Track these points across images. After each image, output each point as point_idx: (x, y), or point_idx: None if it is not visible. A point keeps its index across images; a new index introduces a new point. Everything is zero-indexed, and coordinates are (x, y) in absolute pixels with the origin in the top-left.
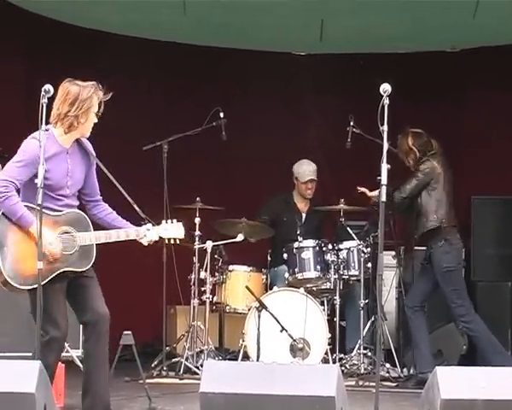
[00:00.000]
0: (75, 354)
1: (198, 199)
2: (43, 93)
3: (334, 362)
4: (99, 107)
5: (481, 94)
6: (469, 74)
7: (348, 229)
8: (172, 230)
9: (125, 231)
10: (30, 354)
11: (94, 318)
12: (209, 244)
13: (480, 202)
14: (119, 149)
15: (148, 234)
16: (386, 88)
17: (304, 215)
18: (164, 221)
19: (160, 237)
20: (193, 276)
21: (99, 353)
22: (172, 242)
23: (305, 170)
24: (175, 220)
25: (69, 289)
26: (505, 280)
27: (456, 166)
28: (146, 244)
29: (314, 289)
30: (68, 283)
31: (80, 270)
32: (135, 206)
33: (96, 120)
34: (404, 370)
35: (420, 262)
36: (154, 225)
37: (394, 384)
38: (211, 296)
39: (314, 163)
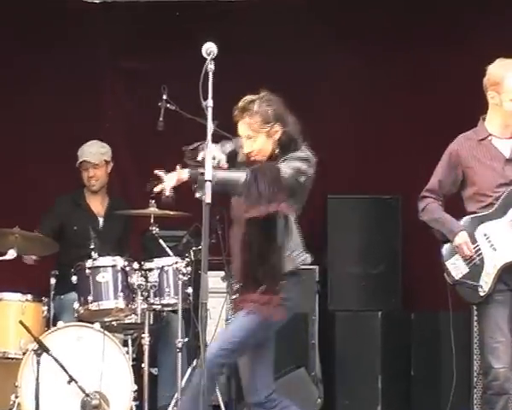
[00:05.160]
0: None
1: None
2: None
3: None
4: None
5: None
6: None
7: (161, 241)
8: None
9: None
10: None
11: None
12: None
13: (338, 203)
14: None
15: None
16: (210, 48)
17: (101, 220)
18: None
19: None
20: None
21: None
22: None
23: (85, 150)
24: None
25: None
26: (374, 309)
27: None
28: None
29: (114, 323)
30: None
31: None
32: None
33: None
34: None
35: None
36: None
37: None
38: None
39: (109, 148)
